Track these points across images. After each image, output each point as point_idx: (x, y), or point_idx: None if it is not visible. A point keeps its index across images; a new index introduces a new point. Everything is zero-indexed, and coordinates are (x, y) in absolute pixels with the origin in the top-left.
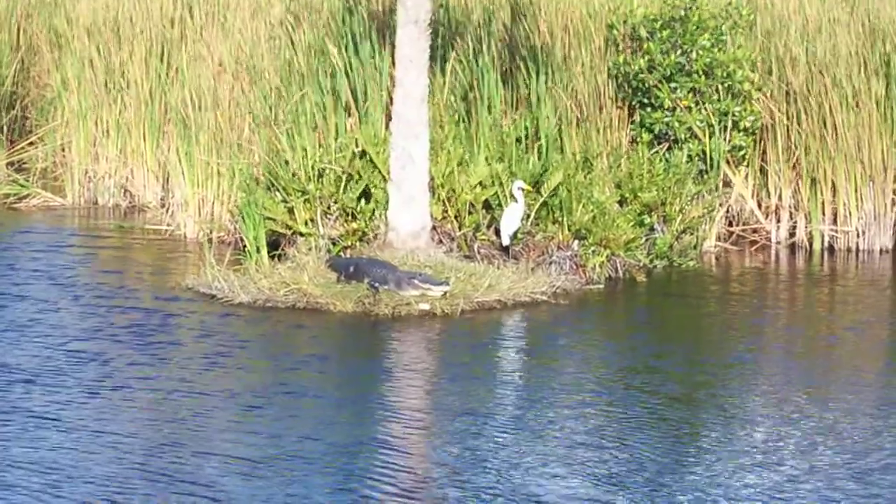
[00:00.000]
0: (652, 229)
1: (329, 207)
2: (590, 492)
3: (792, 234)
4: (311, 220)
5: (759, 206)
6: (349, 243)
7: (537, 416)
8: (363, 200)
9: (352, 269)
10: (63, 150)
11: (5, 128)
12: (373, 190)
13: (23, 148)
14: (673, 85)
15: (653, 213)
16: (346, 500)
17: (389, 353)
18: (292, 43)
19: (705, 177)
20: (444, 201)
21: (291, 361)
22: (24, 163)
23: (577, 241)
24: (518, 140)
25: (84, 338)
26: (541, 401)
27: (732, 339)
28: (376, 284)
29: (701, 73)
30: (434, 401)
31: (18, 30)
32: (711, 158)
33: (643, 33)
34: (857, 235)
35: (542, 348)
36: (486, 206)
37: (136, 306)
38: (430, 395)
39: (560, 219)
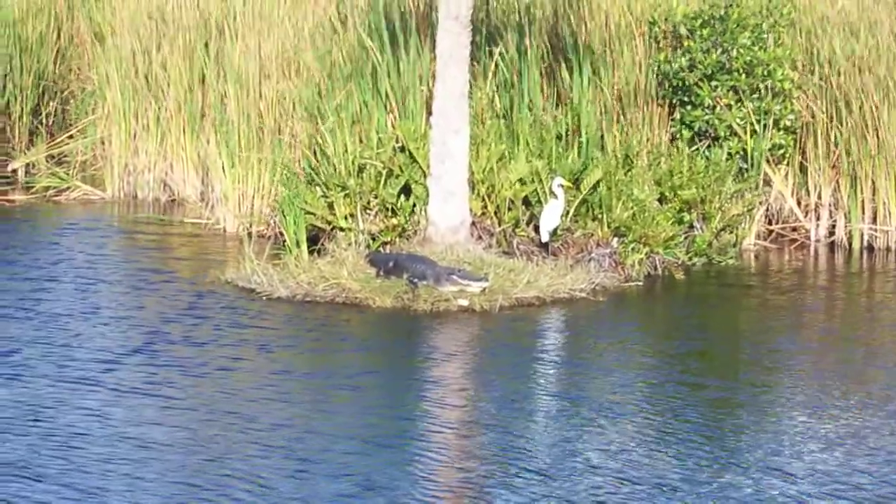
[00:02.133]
0: (691, 227)
1: (369, 202)
2: (630, 487)
3: (831, 233)
4: (351, 215)
5: (799, 204)
6: (388, 238)
7: (576, 413)
8: (403, 196)
9: (391, 264)
10: (103, 143)
11: (45, 121)
12: (413, 185)
13: (63, 141)
14: (713, 83)
15: (692, 211)
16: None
17: (428, 348)
18: (335, 39)
19: (745, 175)
20: (483, 197)
21: (330, 356)
22: (64, 156)
23: (616, 239)
24: (559, 137)
25: (117, 334)
26: (579, 399)
27: (772, 337)
28: (415, 280)
29: (741, 71)
30: (472, 396)
31: (59, 22)
32: (751, 157)
33: (684, 31)
34: None
35: (581, 345)
36: (526, 202)
37: (175, 300)
38: (469, 390)
39: (599, 216)
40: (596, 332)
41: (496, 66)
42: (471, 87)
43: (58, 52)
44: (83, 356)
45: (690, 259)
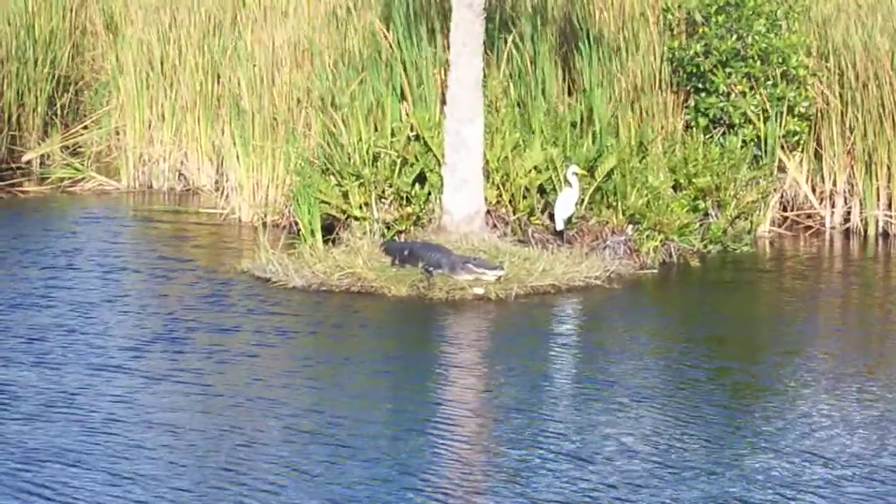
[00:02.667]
0: (706, 214)
1: (384, 191)
2: (665, 471)
3: (846, 220)
4: (366, 204)
5: (814, 191)
6: (403, 227)
7: (601, 397)
8: (418, 184)
9: (406, 253)
10: (117, 133)
11: (60, 111)
12: (427, 174)
13: (77, 131)
14: (728, 70)
15: (707, 198)
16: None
17: (444, 336)
18: (349, 28)
19: (760, 162)
20: (498, 185)
21: (346, 344)
22: (78, 147)
23: (631, 226)
24: (573, 124)
25: (138, 321)
26: (603, 383)
27: (789, 322)
28: (430, 269)
29: (756, 58)
30: (495, 382)
31: (73, 13)
32: (766, 143)
33: (698, 18)
34: None
35: (597, 333)
36: (541, 190)
37: (192, 289)
38: (491, 376)
39: (614, 203)
40: (612, 319)
41: (510, 54)
42: (485, 75)
43: (72, 43)
44: (107, 343)
45: (705, 246)
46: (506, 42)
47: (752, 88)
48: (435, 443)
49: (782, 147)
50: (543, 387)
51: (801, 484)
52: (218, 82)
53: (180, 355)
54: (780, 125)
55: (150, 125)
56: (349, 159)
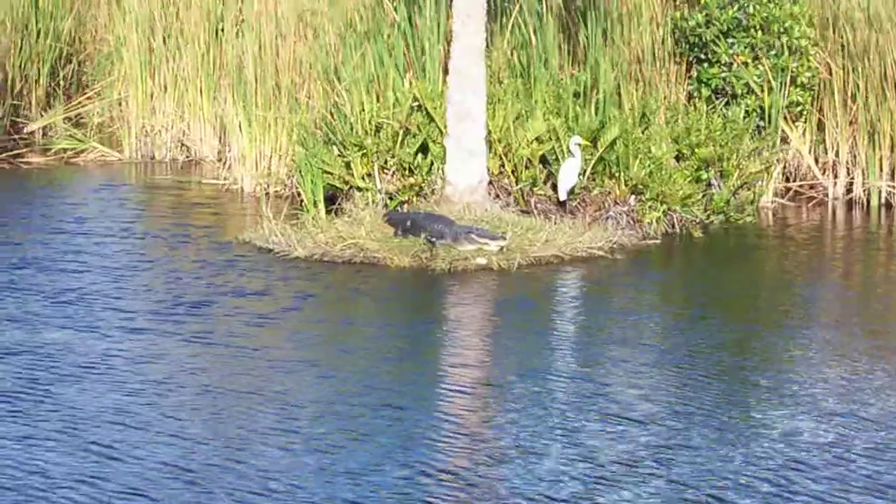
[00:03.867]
0: (709, 185)
1: (386, 162)
2: (648, 445)
3: (849, 190)
4: (369, 175)
5: (817, 161)
6: (406, 198)
7: (595, 370)
8: (420, 155)
9: (409, 223)
10: (120, 104)
11: (62, 83)
12: (430, 144)
13: (80, 103)
14: (730, 40)
15: (710, 169)
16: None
17: (447, 306)
18: None
19: (763, 133)
20: (501, 156)
21: (349, 315)
22: (81, 117)
23: (633, 197)
24: (576, 95)
25: (141, 292)
26: (598, 355)
27: (789, 294)
28: (433, 239)
29: (758, 28)
30: (491, 354)
31: None
32: (769, 114)
33: None
34: None
35: (599, 303)
36: (544, 161)
37: (194, 259)
38: (487, 348)
39: (617, 174)
40: (615, 288)
41: (513, 24)
42: (488, 45)
43: (74, 14)
44: (126, 307)
45: (708, 217)
46: (510, 13)
47: (754, 59)
48: (440, 410)
49: (785, 118)
50: (547, 354)
51: (833, 445)
52: (221, 53)
53: (204, 319)
54: (783, 95)
55: (152, 96)
56: (352, 129)
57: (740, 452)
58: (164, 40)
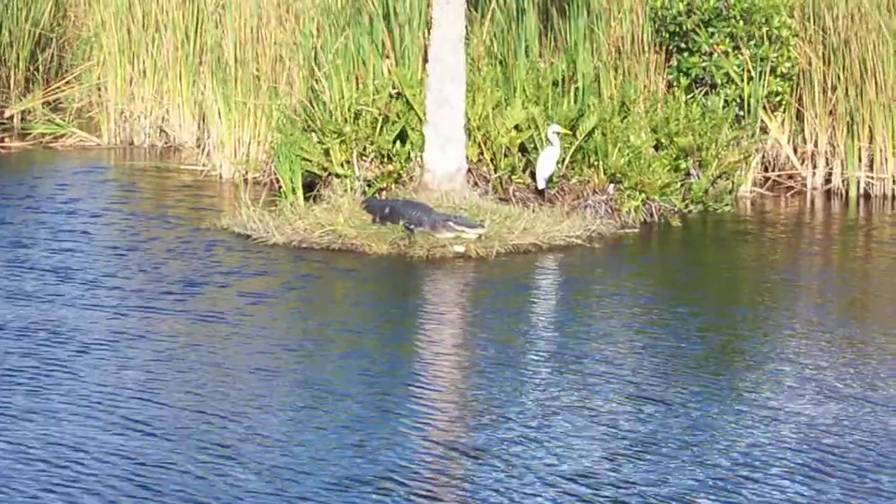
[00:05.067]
0: (688, 174)
1: (365, 149)
2: (622, 434)
3: (828, 181)
4: (347, 162)
5: (795, 151)
6: (384, 185)
7: (571, 359)
8: (399, 142)
9: (387, 210)
10: (99, 89)
11: (41, 67)
12: (409, 132)
13: (59, 87)
14: (710, 30)
15: (689, 158)
16: (376, 437)
17: (424, 294)
18: None
19: (742, 122)
20: (479, 144)
21: (327, 302)
22: (59, 102)
23: (612, 185)
24: (555, 83)
25: (120, 277)
26: (575, 344)
27: (767, 284)
28: (411, 226)
29: (739, 17)
30: (468, 341)
31: None
32: (748, 104)
33: None
34: (894, 182)
35: (577, 291)
36: (522, 149)
37: (171, 246)
38: (465, 336)
39: (595, 163)
40: (593, 277)
41: (493, 12)
42: (467, 33)
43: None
44: (121, 286)
45: (687, 206)
46: (489, 0)
47: (735, 48)
48: (416, 397)
49: (764, 107)
50: (508, 352)
51: (864, 429)
52: (200, 38)
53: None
54: (763, 85)
55: (131, 81)
56: (331, 116)
57: (760, 432)
58: (144, 25)
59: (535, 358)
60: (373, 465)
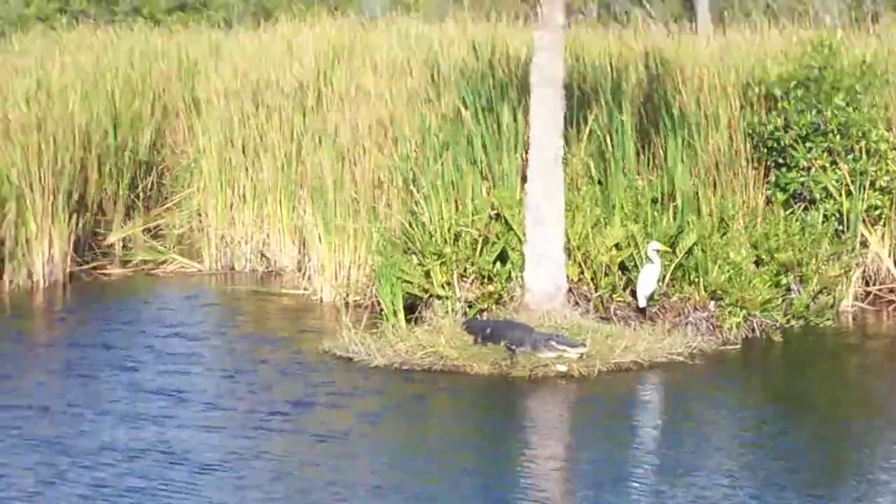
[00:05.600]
0: (788, 289)
1: (465, 270)
2: None
3: None
4: (448, 283)
5: None
6: (485, 306)
7: (682, 472)
8: (499, 262)
9: (488, 331)
10: (199, 215)
11: (142, 195)
12: (509, 252)
13: (159, 214)
14: (808, 145)
15: (789, 274)
16: None
17: (527, 413)
18: (430, 108)
19: (842, 237)
20: (579, 263)
21: (433, 421)
22: (160, 229)
23: (713, 302)
24: (654, 200)
25: (224, 401)
26: (684, 458)
27: (873, 397)
28: (513, 346)
29: (836, 132)
30: (571, 462)
31: (154, 97)
32: (847, 218)
33: (777, 93)
34: None
35: (679, 410)
36: (622, 267)
37: (277, 368)
38: (568, 455)
39: (696, 279)
40: (696, 396)
41: (590, 131)
42: (565, 152)
43: (154, 127)
44: (230, 407)
45: (788, 321)
46: (586, 119)
47: (832, 163)
48: None
49: (864, 221)
50: (612, 472)
51: None
52: (299, 162)
53: (250, 441)
54: (862, 199)
55: (231, 206)
56: (431, 238)
57: None
58: (244, 151)
59: (646, 471)
60: None
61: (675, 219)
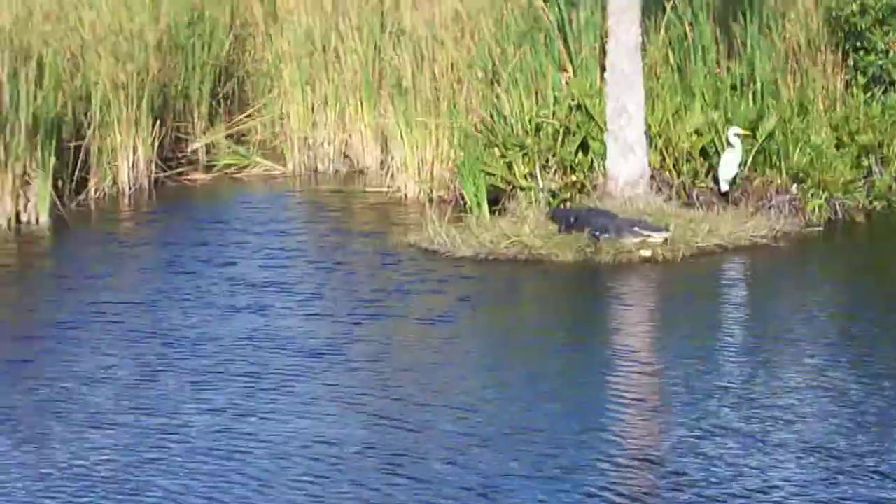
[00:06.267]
0: (870, 171)
1: (547, 161)
2: (816, 436)
3: None
4: (531, 174)
5: None
6: (568, 195)
7: (760, 361)
8: (581, 152)
9: (573, 219)
10: (281, 119)
11: (223, 101)
12: (590, 142)
13: (241, 120)
14: (885, 27)
15: (870, 156)
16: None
17: (613, 299)
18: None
19: None
20: (661, 150)
21: (524, 305)
22: (242, 134)
23: (795, 185)
24: (733, 87)
25: (322, 290)
26: (762, 347)
27: None
28: (597, 233)
29: None
30: (658, 345)
31: (232, 5)
32: None
33: None
34: None
35: (765, 293)
36: (703, 153)
37: (366, 260)
38: (655, 339)
39: (777, 163)
40: (781, 277)
41: (668, 20)
42: (643, 42)
43: (233, 35)
44: (329, 296)
45: (871, 202)
46: (664, 8)
47: None
48: (611, 401)
49: None
50: (699, 354)
51: None
52: (379, 62)
53: (368, 318)
54: None
55: (313, 108)
56: (512, 130)
57: None
58: (324, 54)
59: (722, 363)
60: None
61: (754, 104)
